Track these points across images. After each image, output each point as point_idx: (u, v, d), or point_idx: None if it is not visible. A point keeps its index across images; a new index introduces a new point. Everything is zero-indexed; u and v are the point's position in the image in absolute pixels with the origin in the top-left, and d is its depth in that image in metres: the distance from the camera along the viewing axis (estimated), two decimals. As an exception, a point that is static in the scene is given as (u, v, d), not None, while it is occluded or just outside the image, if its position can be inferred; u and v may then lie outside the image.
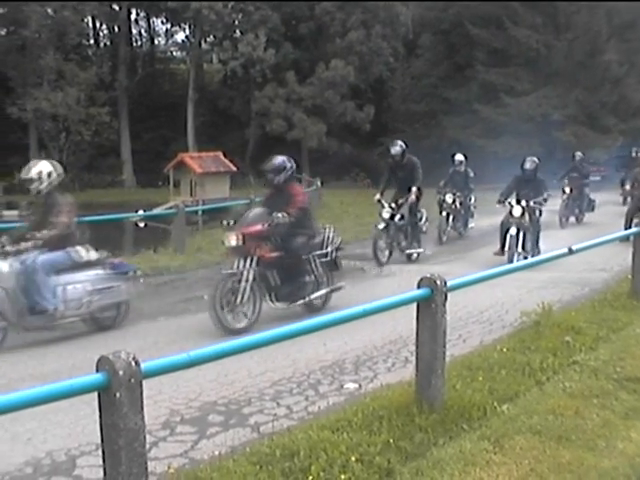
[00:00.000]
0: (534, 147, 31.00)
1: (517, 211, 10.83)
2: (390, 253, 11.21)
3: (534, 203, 11.01)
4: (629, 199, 16.63)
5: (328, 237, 8.03)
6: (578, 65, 32.21)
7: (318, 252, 7.85)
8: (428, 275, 4.50)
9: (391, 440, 4.04)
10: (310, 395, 5.17)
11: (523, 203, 10.91)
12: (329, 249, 7.98)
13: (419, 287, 4.45)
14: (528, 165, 11.49)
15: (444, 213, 14.02)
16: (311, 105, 35.39)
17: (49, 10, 34.67)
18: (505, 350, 5.81)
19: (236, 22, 37.47)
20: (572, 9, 32.21)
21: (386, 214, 11.10)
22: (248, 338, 3.74)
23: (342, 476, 3.63)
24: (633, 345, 6.01)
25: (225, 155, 29.51)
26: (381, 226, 11.08)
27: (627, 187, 16.60)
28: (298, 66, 36.82)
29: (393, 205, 11.23)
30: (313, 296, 7.73)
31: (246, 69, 35.45)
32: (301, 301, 7.60)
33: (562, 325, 6.49)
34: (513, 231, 10.70)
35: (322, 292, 7.88)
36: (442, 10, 36.69)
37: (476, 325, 7.16)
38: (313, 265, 7.75)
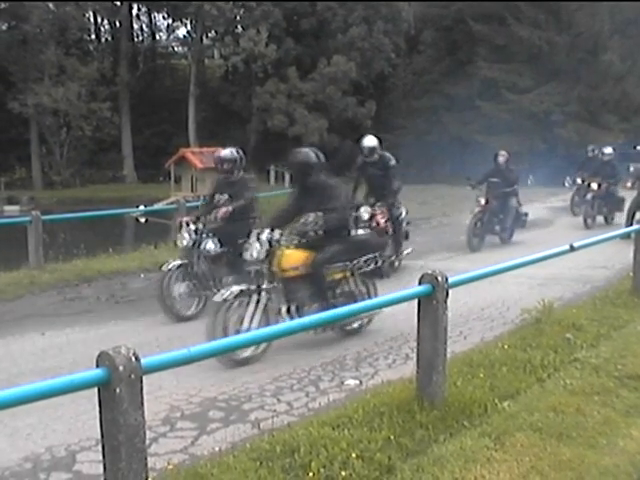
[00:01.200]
0: (536, 144, 31.04)
1: (254, 252, 5.84)
2: (199, 300, 7.32)
3: (325, 232, 6.07)
4: (584, 207, 14.70)
5: None
6: (580, 62, 32.16)
7: None
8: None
9: (392, 437, 4.03)
10: (311, 391, 5.16)
11: (284, 239, 5.97)
12: None
13: (420, 283, 4.43)
14: (298, 162, 6.40)
15: None
16: (312, 101, 35.38)
17: (50, 5, 34.68)
18: (506, 347, 5.79)
19: (238, 17, 37.50)
20: (574, 6, 32.15)
21: (184, 240, 7.25)
22: (248, 335, 3.73)
23: (342, 473, 3.62)
24: (634, 343, 6.00)
25: (226, 151, 29.45)
26: (172, 265, 7.14)
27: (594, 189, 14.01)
28: (300, 62, 36.82)
29: (200, 225, 7.44)
30: None
31: (247, 64, 35.43)
32: None
33: (563, 322, 6.48)
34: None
35: None
36: (444, 7, 36.65)
37: (477, 322, 7.15)
38: None
